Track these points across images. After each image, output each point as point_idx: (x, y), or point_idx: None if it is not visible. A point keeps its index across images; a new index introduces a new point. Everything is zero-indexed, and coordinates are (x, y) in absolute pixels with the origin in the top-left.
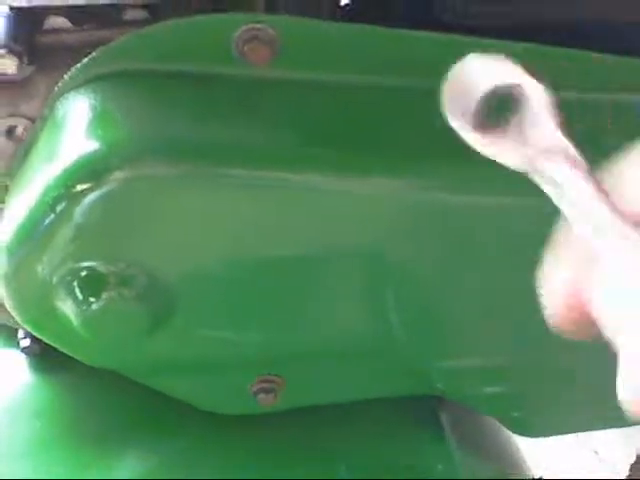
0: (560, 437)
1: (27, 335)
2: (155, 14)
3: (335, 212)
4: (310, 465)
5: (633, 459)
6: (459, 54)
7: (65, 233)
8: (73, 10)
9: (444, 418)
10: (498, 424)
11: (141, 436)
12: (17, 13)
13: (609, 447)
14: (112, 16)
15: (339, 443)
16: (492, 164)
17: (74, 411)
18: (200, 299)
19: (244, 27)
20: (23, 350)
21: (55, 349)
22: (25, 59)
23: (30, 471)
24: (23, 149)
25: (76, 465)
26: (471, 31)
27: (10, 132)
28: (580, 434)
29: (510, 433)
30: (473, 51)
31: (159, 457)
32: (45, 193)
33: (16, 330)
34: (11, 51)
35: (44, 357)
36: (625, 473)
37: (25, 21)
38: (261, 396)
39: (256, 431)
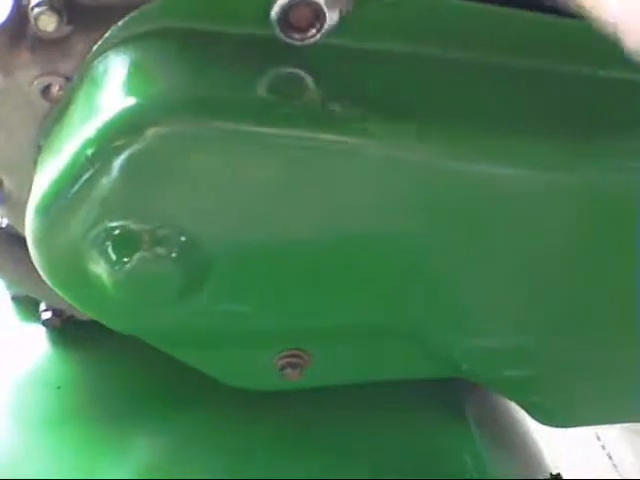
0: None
1: (49, 308)
2: None
3: (366, 182)
4: (328, 448)
5: None
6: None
7: (102, 189)
8: None
9: (469, 411)
10: (519, 419)
11: (156, 414)
12: None
13: (618, 445)
14: None
15: (364, 432)
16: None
17: (93, 385)
18: (232, 265)
19: None
20: (44, 323)
21: (75, 323)
22: (64, 18)
23: (47, 442)
24: (58, 109)
25: (91, 439)
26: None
27: (46, 90)
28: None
29: (528, 428)
30: (518, 25)
31: (173, 436)
32: (84, 148)
33: (37, 303)
34: (52, 8)
35: (64, 330)
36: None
37: None
38: (287, 371)
39: (274, 413)
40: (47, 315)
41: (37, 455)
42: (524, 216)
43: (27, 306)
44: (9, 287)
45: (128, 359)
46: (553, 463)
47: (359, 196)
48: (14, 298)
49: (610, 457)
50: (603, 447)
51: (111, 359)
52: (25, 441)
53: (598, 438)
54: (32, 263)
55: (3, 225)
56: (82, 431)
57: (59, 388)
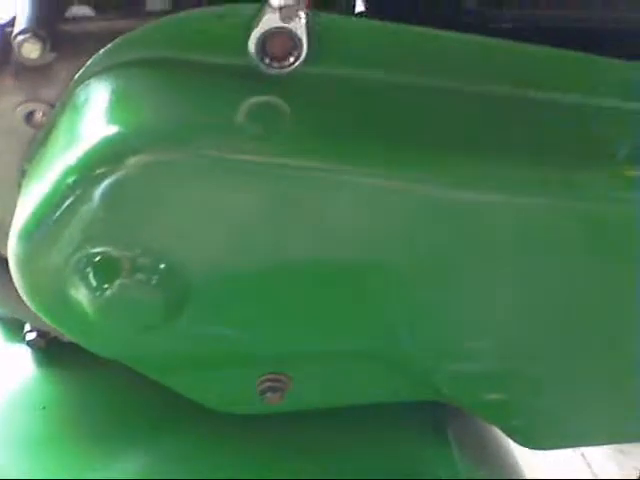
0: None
1: (33, 329)
2: (175, 4)
3: (347, 207)
4: (311, 470)
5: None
6: (487, 56)
7: (83, 215)
8: None
9: (450, 431)
10: (499, 436)
11: (141, 434)
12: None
13: (603, 462)
14: (133, 6)
15: (342, 448)
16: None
17: (77, 406)
18: (213, 291)
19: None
20: (29, 343)
21: (60, 344)
22: (48, 45)
23: (31, 464)
24: (42, 134)
25: (76, 460)
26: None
27: (29, 117)
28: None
29: (509, 446)
30: (500, 54)
31: (157, 456)
32: (66, 175)
33: (22, 323)
34: (35, 35)
35: (49, 351)
36: None
37: (49, 7)
38: (268, 395)
39: (257, 434)
40: (32, 336)
41: (22, 474)
42: (508, 245)
43: (11, 327)
44: None
45: (112, 379)
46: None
47: (340, 224)
48: None
49: (595, 475)
50: (589, 465)
51: (96, 379)
52: (10, 460)
53: (583, 456)
54: (15, 285)
55: None
56: (67, 450)
57: (44, 408)
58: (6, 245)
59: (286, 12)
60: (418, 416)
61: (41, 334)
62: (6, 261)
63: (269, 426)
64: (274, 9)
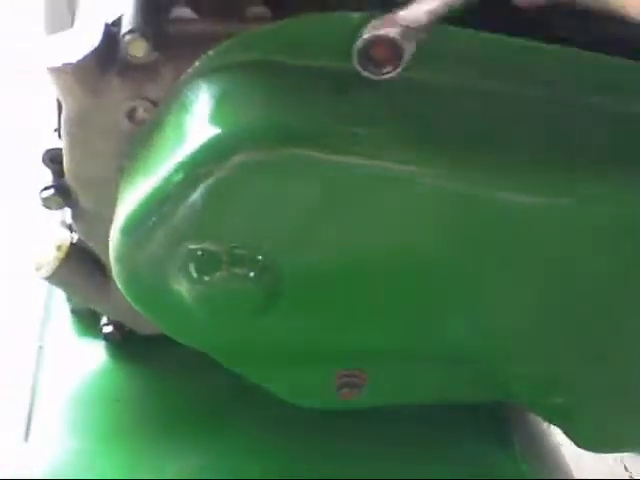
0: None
1: (110, 322)
2: (275, 11)
3: (438, 210)
4: (376, 470)
5: None
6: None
7: (188, 211)
8: (200, 2)
9: (514, 434)
10: (555, 442)
11: (210, 429)
12: (147, 0)
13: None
14: (234, 10)
15: (407, 449)
16: None
17: (150, 399)
18: (304, 286)
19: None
20: (105, 336)
21: (135, 337)
22: (153, 45)
23: (103, 456)
24: (142, 131)
25: (147, 454)
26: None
27: (132, 113)
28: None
29: (561, 450)
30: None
31: (226, 449)
32: (172, 173)
33: (97, 316)
34: (143, 35)
35: (124, 345)
36: None
37: (154, 9)
38: (344, 390)
39: (321, 429)
40: (108, 329)
41: (92, 467)
42: (554, 243)
43: (86, 320)
44: (70, 300)
45: (186, 374)
46: None
47: (428, 226)
48: (74, 311)
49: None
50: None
51: (169, 374)
52: (83, 452)
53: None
54: (100, 278)
55: (74, 240)
56: (136, 445)
57: (118, 401)
58: (95, 239)
59: (404, 32)
60: (483, 419)
61: (117, 327)
62: (92, 254)
63: (320, 427)
64: (395, 23)
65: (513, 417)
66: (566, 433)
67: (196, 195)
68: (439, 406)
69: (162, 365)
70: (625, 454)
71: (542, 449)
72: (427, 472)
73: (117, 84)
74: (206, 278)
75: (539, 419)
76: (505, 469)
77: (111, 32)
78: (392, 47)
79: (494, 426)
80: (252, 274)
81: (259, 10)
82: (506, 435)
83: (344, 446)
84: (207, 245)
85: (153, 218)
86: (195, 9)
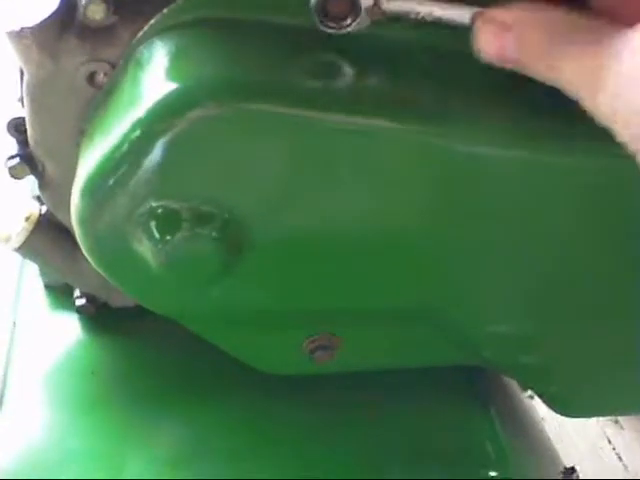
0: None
1: (83, 295)
2: None
3: (402, 166)
4: (353, 440)
5: None
6: None
7: (147, 169)
8: None
9: (492, 404)
10: (534, 412)
11: (186, 399)
12: None
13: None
14: None
15: (389, 418)
16: None
17: (125, 371)
18: (270, 246)
19: None
20: (78, 309)
21: (109, 310)
22: (111, 7)
23: (78, 426)
24: (101, 94)
25: (121, 425)
26: None
27: (91, 77)
28: (604, 440)
29: (541, 423)
30: None
31: (202, 423)
32: (128, 131)
33: (70, 290)
34: None
35: (98, 317)
36: None
37: None
38: (318, 353)
39: (299, 405)
40: (81, 302)
41: (68, 439)
42: (529, 202)
43: (59, 294)
44: (43, 274)
45: (161, 346)
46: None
47: (395, 184)
48: (47, 286)
49: (620, 458)
50: (614, 449)
51: (144, 345)
52: (59, 423)
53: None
54: (70, 249)
55: (43, 211)
56: (113, 416)
57: (93, 373)
58: (63, 209)
59: None
60: (463, 392)
61: (90, 300)
62: (61, 225)
63: (308, 399)
64: None
65: (492, 390)
66: (542, 399)
67: (154, 152)
68: (414, 376)
69: (137, 337)
70: (621, 450)
71: (522, 422)
72: (406, 441)
73: (76, 47)
74: (168, 237)
75: (520, 392)
76: (482, 440)
77: None
78: (348, 0)
79: (471, 397)
80: (215, 234)
81: None
82: (484, 408)
83: (327, 415)
84: (168, 203)
85: (112, 177)
86: None
